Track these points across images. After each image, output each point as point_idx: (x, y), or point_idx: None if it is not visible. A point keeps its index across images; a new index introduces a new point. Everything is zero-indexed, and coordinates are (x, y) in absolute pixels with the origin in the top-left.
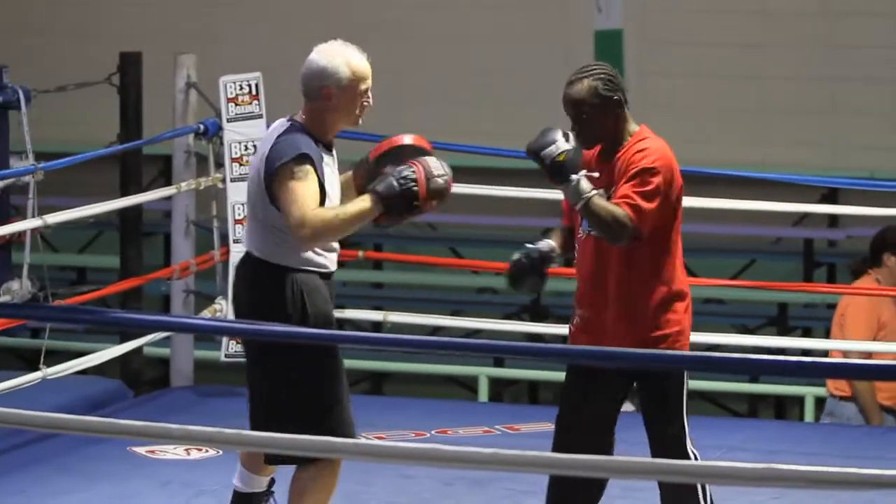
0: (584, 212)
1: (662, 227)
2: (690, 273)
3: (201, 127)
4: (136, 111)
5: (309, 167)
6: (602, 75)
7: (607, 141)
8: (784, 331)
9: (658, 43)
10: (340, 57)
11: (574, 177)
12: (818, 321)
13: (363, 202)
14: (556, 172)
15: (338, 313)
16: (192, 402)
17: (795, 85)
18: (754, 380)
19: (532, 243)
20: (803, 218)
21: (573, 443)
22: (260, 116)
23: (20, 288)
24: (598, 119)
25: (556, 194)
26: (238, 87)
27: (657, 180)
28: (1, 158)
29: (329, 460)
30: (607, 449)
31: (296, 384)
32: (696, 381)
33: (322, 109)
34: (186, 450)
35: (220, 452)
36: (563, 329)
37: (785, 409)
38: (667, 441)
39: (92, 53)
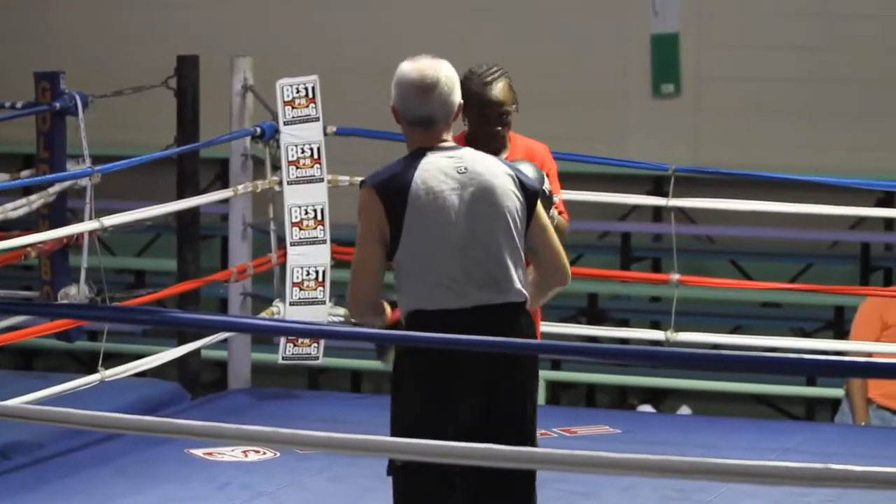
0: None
1: None
2: (747, 276)
3: (258, 130)
4: (193, 114)
5: None
6: (508, 75)
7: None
8: (840, 334)
9: (714, 46)
10: None
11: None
12: None
13: None
14: (549, 203)
15: None
16: (250, 404)
17: (852, 88)
18: (811, 383)
19: None
20: (860, 222)
21: None
22: (317, 119)
23: (78, 293)
24: (510, 119)
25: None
26: (295, 90)
27: None
28: (58, 162)
29: None
30: None
31: None
32: (754, 385)
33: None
34: (244, 452)
35: (278, 455)
36: (620, 332)
37: None
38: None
39: (149, 56)
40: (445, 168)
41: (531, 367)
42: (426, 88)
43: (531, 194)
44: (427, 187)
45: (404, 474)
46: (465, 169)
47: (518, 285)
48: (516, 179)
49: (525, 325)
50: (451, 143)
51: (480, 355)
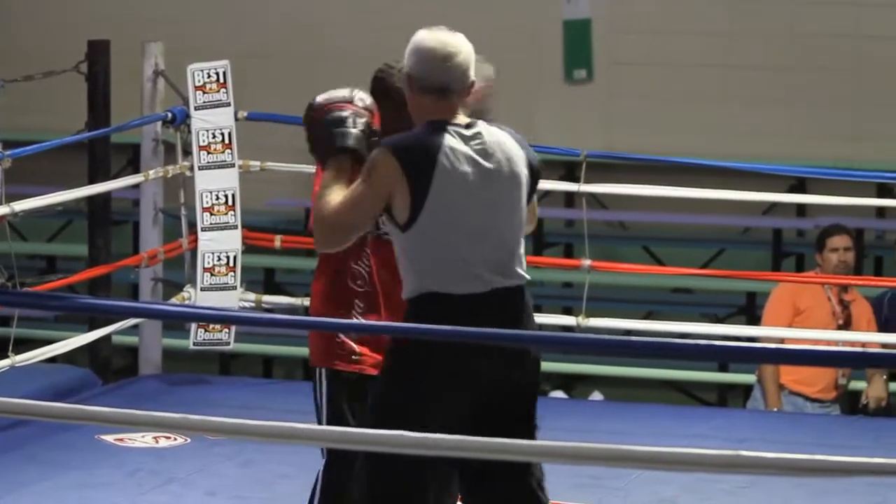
0: None
1: None
2: (659, 262)
3: (169, 115)
4: (104, 99)
5: None
6: None
7: None
8: (753, 320)
9: (626, 32)
10: None
11: None
12: None
13: None
14: None
15: (308, 302)
16: (161, 390)
17: (764, 74)
18: (723, 369)
19: None
20: (772, 207)
21: None
22: (227, 104)
23: None
24: None
25: None
26: (206, 75)
27: None
28: None
29: None
30: None
31: None
32: (666, 371)
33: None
34: (155, 438)
35: (189, 441)
36: None
37: None
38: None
39: (60, 41)
40: (467, 146)
41: (536, 358)
42: (447, 56)
43: (537, 173)
44: (453, 165)
45: (384, 462)
46: (485, 150)
47: (521, 269)
48: (526, 159)
49: (530, 307)
50: (466, 119)
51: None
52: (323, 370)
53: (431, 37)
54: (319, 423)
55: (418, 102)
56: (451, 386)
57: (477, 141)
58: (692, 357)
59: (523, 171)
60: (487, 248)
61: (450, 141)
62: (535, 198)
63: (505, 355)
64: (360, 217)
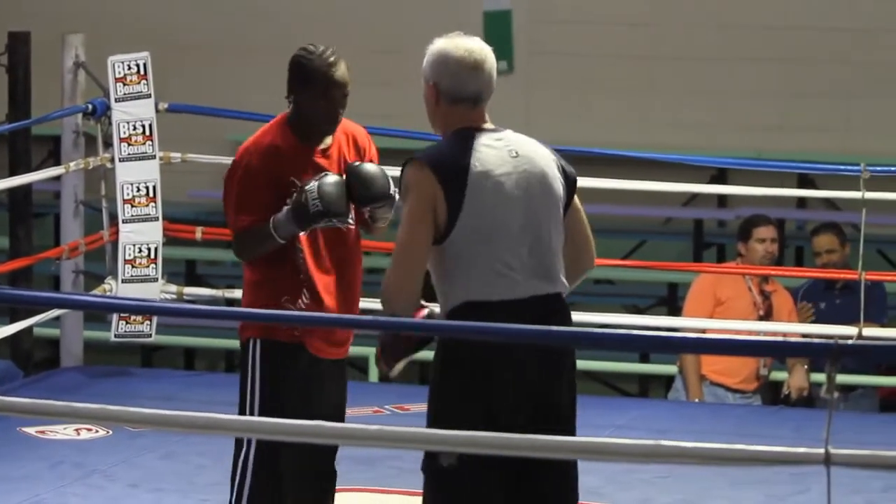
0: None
1: None
2: None
3: (90, 107)
4: (25, 91)
5: None
6: None
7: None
8: (674, 310)
9: (546, 23)
10: None
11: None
12: None
13: None
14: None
15: (229, 293)
16: (83, 382)
17: (684, 65)
18: (644, 359)
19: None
20: (693, 198)
21: None
22: (148, 96)
23: None
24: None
25: None
26: (126, 67)
27: None
28: None
29: None
30: None
31: None
32: (587, 361)
33: None
34: (77, 430)
35: (110, 433)
36: None
37: None
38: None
39: None
40: (498, 151)
41: (573, 359)
42: (476, 64)
43: (572, 181)
44: (485, 170)
45: (455, 473)
46: (517, 153)
47: (562, 275)
48: (559, 164)
49: (569, 315)
50: (493, 126)
51: (534, 346)
52: (258, 341)
53: (456, 45)
54: (248, 396)
55: (447, 112)
56: (501, 388)
57: (506, 143)
58: (613, 347)
59: (556, 174)
60: (526, 252)
61: (480, 145)
62: (587, 229)
63: (544, 364)
64: (421, 238)
